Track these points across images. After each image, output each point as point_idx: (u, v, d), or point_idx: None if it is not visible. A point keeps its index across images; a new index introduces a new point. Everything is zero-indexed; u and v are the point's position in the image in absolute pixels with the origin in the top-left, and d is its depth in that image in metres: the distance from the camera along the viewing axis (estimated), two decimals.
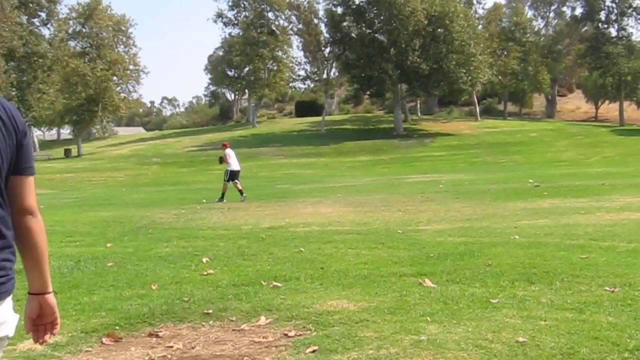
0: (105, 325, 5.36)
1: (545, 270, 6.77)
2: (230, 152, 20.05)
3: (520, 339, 4.38)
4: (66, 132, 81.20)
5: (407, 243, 9.35)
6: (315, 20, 70.25)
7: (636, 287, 5.87)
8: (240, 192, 19.52)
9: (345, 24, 63.88)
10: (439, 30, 60.07)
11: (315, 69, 75.07)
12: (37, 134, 75.08)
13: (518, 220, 11.94)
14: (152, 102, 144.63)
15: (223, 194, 19.53)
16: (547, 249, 8.31)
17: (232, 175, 19.79)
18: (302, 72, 78.44)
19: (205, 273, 7.51)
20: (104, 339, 5.00)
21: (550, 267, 6.94)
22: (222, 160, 20.18)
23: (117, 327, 5.29)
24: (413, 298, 5.82)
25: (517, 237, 9.58)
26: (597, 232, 9.74)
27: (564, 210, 13.36)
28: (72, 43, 65.95)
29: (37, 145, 68.94)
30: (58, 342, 4.93)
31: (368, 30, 62.92)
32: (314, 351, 4.38)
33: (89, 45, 65.06)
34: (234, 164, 19.97)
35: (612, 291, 5.76)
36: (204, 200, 19.82)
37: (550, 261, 7.34)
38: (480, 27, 67.60)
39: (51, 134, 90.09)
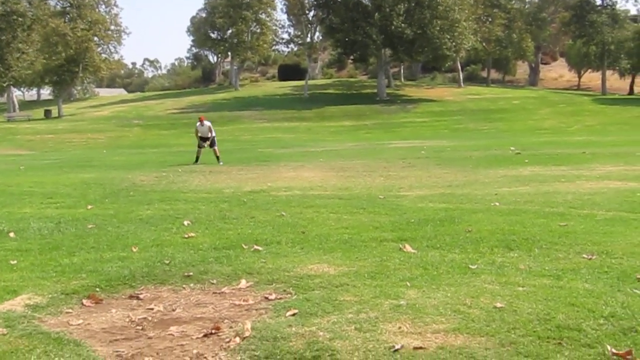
0: (85, 287, 5.36)
1: (524, 237, 6.84)
2: (198, 128, 21.32)
3: (498, 305, 4.44)
4: (46, 92, 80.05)
5: (388, 208, 9.39)
6: None
7: (613, 255, 5.95)
8: (197, 159, 20.82)
9: None
10: None
11: (299, 33, 74.46)
12: (16, 94, 73.94)
13: (499, 187, 12.02)
14: (133, 64, 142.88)
15: (217, 157, 20.47)
16: (527, 216, 8.38)
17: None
18: (285, 36, 78.02)
19: (186, 236, 7.52)
20: (84, 301, 5.01)
21: (529, 234, 7.01)
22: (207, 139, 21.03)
23: (97, 289, 5.30)
24: (393, 263, 5.87)
25: (497, 204, 9.65)
26: (577, 200, 9.83)
27: (544, 178, 13.45)
28: (52, 2, 65.04)
29: (17, 106, 68.11)
30: (38, 303, 4.93)
31: None
32: (294, 314, 4.41)
33: (69, 4, 64.12)
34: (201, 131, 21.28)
35: (590, 259, 5.84)
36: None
37: (529, 228, 7.42)
38: None
39: (31, 95, 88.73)
